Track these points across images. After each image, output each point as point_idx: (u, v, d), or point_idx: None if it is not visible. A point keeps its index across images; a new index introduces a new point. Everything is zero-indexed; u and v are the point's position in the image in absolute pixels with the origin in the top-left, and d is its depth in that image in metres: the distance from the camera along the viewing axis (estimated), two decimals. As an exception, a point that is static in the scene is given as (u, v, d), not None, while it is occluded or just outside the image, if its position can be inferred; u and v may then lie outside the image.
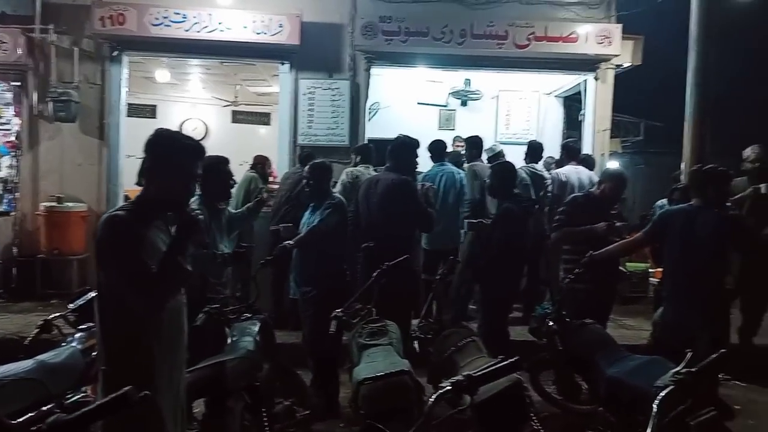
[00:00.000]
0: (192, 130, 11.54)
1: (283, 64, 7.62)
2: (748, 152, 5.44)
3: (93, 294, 2.67)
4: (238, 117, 12.24)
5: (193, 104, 11.96)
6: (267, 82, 10.15)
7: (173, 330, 2.29)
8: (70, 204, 7.16)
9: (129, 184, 7.80)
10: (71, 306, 3.69)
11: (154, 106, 11.71)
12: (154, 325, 2.19)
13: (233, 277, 4.25)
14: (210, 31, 7.17)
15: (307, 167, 4.46)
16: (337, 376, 3.98)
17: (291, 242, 4.07)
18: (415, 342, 3.63)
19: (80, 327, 3.49)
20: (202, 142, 2.45)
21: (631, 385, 3.10)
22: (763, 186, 5.24)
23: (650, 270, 7.89)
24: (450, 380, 1.78)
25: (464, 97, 9.81)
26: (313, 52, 7.50)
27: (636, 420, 3.18)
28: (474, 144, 6.70)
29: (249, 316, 3.75)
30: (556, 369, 4.28)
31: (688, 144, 5.20)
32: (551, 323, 3.95)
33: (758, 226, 4.94)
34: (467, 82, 9.63)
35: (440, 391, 1.75)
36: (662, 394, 2.02)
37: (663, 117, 14.22)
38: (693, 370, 2.16)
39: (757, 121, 13.67)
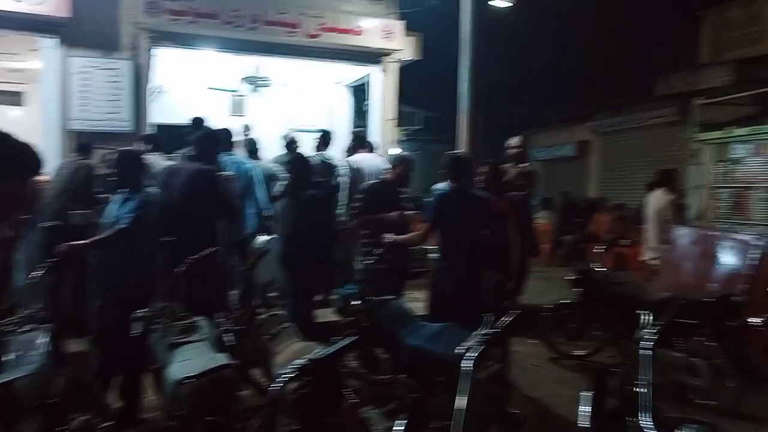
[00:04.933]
0: None
1: (50, 38, 6.70)
2: (514, 141, 6.39)
3: None
4: (-22, 96, 10.46)
5: None
6: (20, 57, 8.77)
7: None
8: None
9: None
10: None
11: None
12: None
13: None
14: (-50, -5, 6.01)
15: (114, 156, 4.05)
16: (140, 382, 3.75)
17: (85, 242, 3.66)
18: (231, 334, 3.58)
19: None
20: None
21: (428, 351, 3.49)
22: (527, 165, 6.30)
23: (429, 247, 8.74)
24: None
25: (255, 83, 9.69)
26: (87, 26, 6.76)
27: (434, 381, 3.62)
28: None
29: (32, 327, 3.33)
30: (360, 344, 4.55)
31: (464, 134, 5.87)
32: (357, 302, 4.20)
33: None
34: (257, 68, 9.53)
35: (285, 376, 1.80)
36: (475, 354, 2.33)
37: (438, 107, 15.72)
38: (497, 330, 2.53)
39: (513, 112, 15.83)
